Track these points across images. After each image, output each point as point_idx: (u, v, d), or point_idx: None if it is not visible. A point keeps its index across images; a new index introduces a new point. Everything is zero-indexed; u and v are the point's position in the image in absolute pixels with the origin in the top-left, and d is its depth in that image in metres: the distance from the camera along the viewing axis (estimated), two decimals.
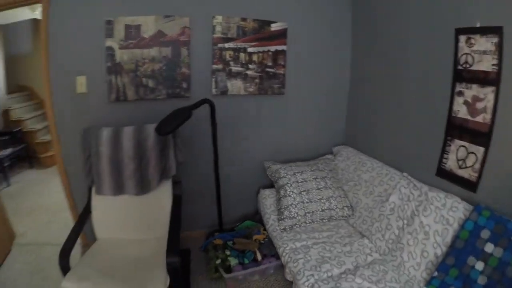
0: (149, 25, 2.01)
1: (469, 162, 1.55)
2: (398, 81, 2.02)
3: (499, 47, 1.35)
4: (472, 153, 1.53)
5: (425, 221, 1.60)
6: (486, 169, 1.47)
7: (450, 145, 1.65)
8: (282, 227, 2.04)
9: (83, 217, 1.81)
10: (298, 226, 2.05)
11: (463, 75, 1.54)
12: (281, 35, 2.29)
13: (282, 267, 1.94)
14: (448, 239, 1.48)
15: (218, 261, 1.99)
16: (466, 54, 1.51)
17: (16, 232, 2.51)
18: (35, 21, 4.41)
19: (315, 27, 2.39)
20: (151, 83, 2.12)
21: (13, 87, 4.73)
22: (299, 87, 2.46)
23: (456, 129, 1.61)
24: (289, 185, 2.15)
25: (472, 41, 1.46)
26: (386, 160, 2.14)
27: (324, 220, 2.11)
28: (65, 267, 1.44)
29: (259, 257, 2.03)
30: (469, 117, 1.53)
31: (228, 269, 1.96)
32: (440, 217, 1.55)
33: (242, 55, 2.24)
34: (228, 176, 2.43)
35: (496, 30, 1.35)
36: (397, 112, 2.05)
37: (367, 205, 2.02)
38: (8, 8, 1.94)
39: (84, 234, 2.16)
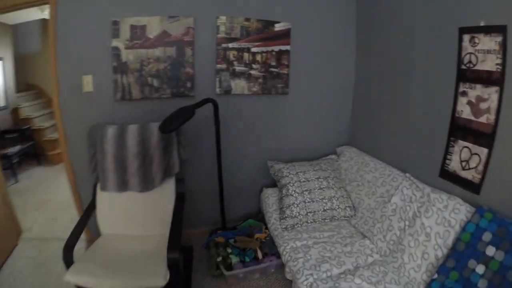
0: (154, 26, 2.05)
1: (472, 164, 1.52)
2: (401, 81, 2.00)
3: (503, 46, 1.32)
4: (476, 154, 1.50)
5: (426, 223, 1.58)
6: (489, 171, 1.44)
7: (453, 146, 1.63)
8: (283, 226, 2.04)
9: (88, 213, 1.86)
10: (299, 225, 2.05)
11: (467, 75, 1.51)
12: (284, 35, 2.29)
13: (283, 266, 1.94)
14: (450, 241, 1.46)
15: (219, 259, 2.01)
16: (470, 53, 1.48)
17: (23, 227, 2.59)
18: (44, 21, 4.53)
19: (319, 27, 2.39)
20: (156, 83, 2.16)
21: (22, 85, 4.88)
22: (303, 87, 2.46)
23: (460, 129, 1.59)
24: (291, 184, 2.15)
25: (476, 40, 1.44)
26: (389, 160, 2.12)
27: (326, 220, 2.10)
28: (68, 261, 1.49)
29: (260, 255, 2.04)
30: (472, 118, 1.51)
31: (229, 267, 1.98)
32: (442, 219, 1.52)
33: (245, 55, 2.26)
34: (231, 175, 2.45)
35: (500, 29, 1.32)
36: (401, 112, 2.02)
37: (369, 205, 2.01)
38: (18, 8, 2.00)
39: (89, 230, 2.22)
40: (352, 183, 2.23)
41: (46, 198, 3.26)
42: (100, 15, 1.94)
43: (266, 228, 2.22)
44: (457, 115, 1.59)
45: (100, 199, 1.94)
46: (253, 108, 2.40)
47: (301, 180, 2.17)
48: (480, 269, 1.29)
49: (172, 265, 1.53)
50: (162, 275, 1.49)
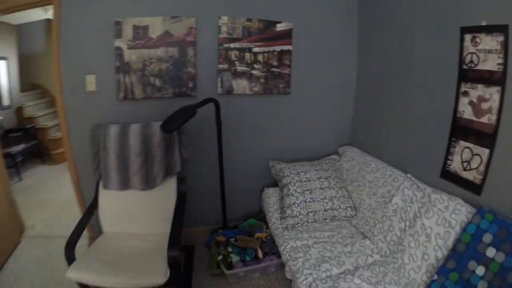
0: (156, 26, 2.07)
1: (473, 164, 1.51)
2: (403, 81, 1.99)
3: (505, 46, 1.31)
4: (477, 155, 1.49)
5: (427, 223, 1.57)
6: (491, 172, 1.43)
7: (454, 147, 1.62)
8: (284, 226, 2.04)
9: (90, 211, 1.88)
10: (300, 225, 2.05)
11: (468, 75, 1.50)
12: (286, 35, 2.29)
13: (283, 265, 1.94)
14: (450, 242, 1.45)
15: (220, 258, 2.02)
16: (471, 53, 1.47)
17: (26, 225, 2.62)
18: (48, 21, 4.57)
19: (320, 27, 2.39)
20: (158, 82, 2.17)
21: (27, 85, 4.92)
22: (304, 87, 2.47)
23: (461, 130, 1.57)
24: (292, 184, 2.16)
25: (478, 40, 1.43)
26: (391, 161, 2.11)
27: (326, 220, 2.10)
28: (70, 258, 1.51)
29: (260, 254, 2.05)
30: (474, 118, 1.50)
31: (230, 266, 1.99)
32: (443, 220, 1.51)
33: (247, 55, 2.27)
34: (232, 174, 2.45)
35: (501, 29, 1.31)
36: (402, 112, 2.02)
37: (370, 206, 2.00)
38: (22, 9, 2.03)
39: (91, 228, 2.25)
40: (353, 183, 2.23)
41: (49, 197, 3.30)
42: (103, 15, 1.97)
43: (267, 227, 2.23)
44: (458, 115, 1.58)
45: (102, 197, 1.96)
46: (254, 108, 2.41)
47: (302, 180, 2.17)
48: (480, 270, 1.28)
49: (172, 263, 1.54)
50: (162, 273, 1.50)
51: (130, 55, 2.07)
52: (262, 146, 2.52)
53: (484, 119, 1.45)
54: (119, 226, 1.95)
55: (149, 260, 1.62)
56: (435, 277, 1.40)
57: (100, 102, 2.11)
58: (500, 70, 1.35)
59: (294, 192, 2.12)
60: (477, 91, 1.47)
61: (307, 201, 2.09)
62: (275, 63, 2.33)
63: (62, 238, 1.57)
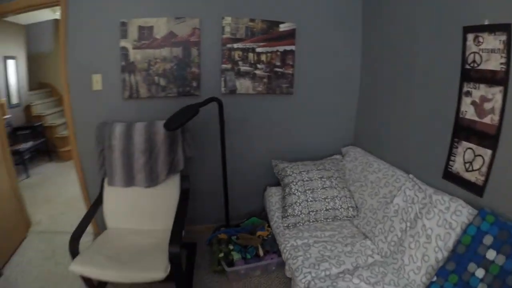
0: (161, 27, 2.10)
1: (476, 165, 1.49)
2: (405, 81, 1.98)
3: (507, 45, 1.29)
4: (479, 155, 1.47)
5: (427, 224, 1.56)
6: (493, 173, 1.41)
7: (457, 147, 1.60)
8: (285, 225, 2.05)
9: (95, 207, 1.93)
10: (301, 224, 2.06)
11: (471, 75, 1.49)
12: (289, 35, 2.30)
13: (284, 264, 1.95)
14: (450, 243, 1.43)
15: (221, 255, 2.04)
16: (474, 53, 1.45)
17: (32, 221, 2.68)
18: (56, 21, 4.65)
19: (324, 27, 2.38)
20: (162, 82, 2.21)
21: (35, 84, 5.03)
22: (307, 87, 2.47)
23: (464, 130, 1.56)
24: (294, 183, 2.16)
25: (480, 39, 1.41)
26: (393, 161, 2.10)
27: (328, 220, 2.10)
28: (74, 252, 1.55)
29: (261, 253, 2.06)
30: (476, 118, 1.48)
31: (231, 263, 2.01)
32: (443, 221, 1.50)
33: (250, 55, 2.28)
34: (236, 173, 2.48)
35: (504, 28, 1.29)
36: (405, 112, 2.00)
37: (372, 206, 1.99)
38: (31, 10, 2.09)
39: (96, 224, 2.30)
40: (355, 183, 2.22)
41: (56, 193, 3.36)
42: (109, 16, 2.01)
43: (269, 226, 2.24)
44: (461, 115, 1.57)
45: (107, 194, 2.01)
46: (258, 107, 2.43)
47: (304, 180, 2.18)
48: (480, 273, 1.27)
49: (173, 259, 1.57)
50: (163, 268, 1.53)
51: (135, 55, 2.11)
52: (265, 145, 2.53)
53: (487, 120, 1.43)
54: (123, 222, 1.99)
55: (150, 256, 1.65)
56: (434, 278, 1.39)
57: (106, 101, 2.15)
58: (503, 69, 1.33)
59: (295, 191, 2.12)
60: (479, 91, 1.45)
61: (309, 200, 2.09)
62: (278, 63, 2.34)
63: (67, 234, 1.61)
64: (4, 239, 2.18)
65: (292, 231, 2.01)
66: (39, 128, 4.46)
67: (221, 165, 2.23)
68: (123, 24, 2.04)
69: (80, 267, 1.49)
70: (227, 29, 2.21)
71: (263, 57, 2.31)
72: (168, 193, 2.07)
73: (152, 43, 2.12)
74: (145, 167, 2.01)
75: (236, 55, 2.26)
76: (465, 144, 1.55)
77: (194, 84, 2.26)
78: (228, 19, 2.19)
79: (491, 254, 1.26)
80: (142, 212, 2.03)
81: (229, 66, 2.27)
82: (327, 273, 1.62)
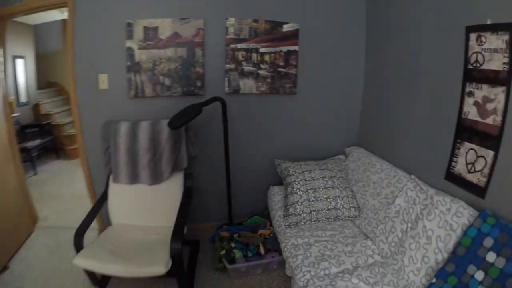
0: (166, 27, 2.14)
1: (478, 166, 1.47)
2: (409, 81, 1.96)
3: (510, 44, 1.27)
4: (482, 156, 1.45)
5: (428, 226, 1.55)
6: (495, 174, 1.39)
7: (459, 148, 1.58)
8: (286, 223, 2.06)
9: (100, 203, 1.98)
10: (302, 223, 2.06)
11: (474, 75, 1.47)
12: (293, 36, 2.31)
13: (285, 263, 1.96)
14: (451, 245, 1.42)
15: (223, 252, 2.07)
16: (477, 52, 1.44)
17: (39, 216, 2.75)
18: (64, 21, 4.70)
19: (327, 28, 2.38)
20: (167, 81, 2.25)
21: (43, 83, 5.13)
22: (311, 87, 2.47)
23: (466, 131, 1.54)
24: (296, 182, 2.17)
25: (483, 39, 1.39)
26: (396, 162, 2.08)
27: (330, 219, 2.10)
28: (78, 246, 1.60)
29: (262, 251, 2.08)
30: (479, 119, 1.46)
31: (232, 261, 2.03)
32: (444, 222, 1.49)
33: (254, 55, 2.30)
34: (239, 172, 2.50)
35: (507, 27, 1.28)
36: (408, 113, 1.99)
37: (374, 206, 1.99)
38: (39, 10, 2.16)
39: (101, 220, 2.35)
40: (358, 184, 2.21)
41: (62, 190, 3.43)
42: (115, 17, 2.06)
43: (271, 225, 2.26)
44: (463, 116, 1.55)
45: (112, 191, 2.06)
46: (261, 107, 2.44)
47: (307, 179, 2.18)
48: (479, 275, 1.25)
49: (174, 255, 1.60)
50: (164, 263, 1.56)
51: (140, 55, 2.16)
52: (269, 145, 2.55)
53: (489, 120, 1.41)
54: (127, 218, 2.04)
55: (152, 251, 1.69)
56: (434, 280, 1.38)
57: (112, 100, 2.20)
58: (506, 69, 1.31)
59: (298, 190, 2.13)
60: (482, 91, 1.43)
61: (311, 200, 2.10)
62: (281, 63, 2.36)
63: (73, 230, 1.65)
64: (11, 233, 2.24)
65: (293, 230, 2.02)
66: (47, 126, 4.55)
67: (224, 164, 2.25)
68: (129, 25, 2.09)
69: (84, 261, 1.53)
70: (231, 29, 2.23)
71: (267, 57, 2.32)
72: (171, 190, 2.11)
73: (157, 43, 2.16)
74: (149, 164, 2.05)
75: (240, 55, 2.28)
76: (467, 145, 1.53)
77: (198, 83, 2.29)
78: (232, 20, 2.21)
79: (491, 257, 1.24)
80: (145, 209, 2.07)
81: (232, 66, 2.30)
82: (326, 272, 1.62)
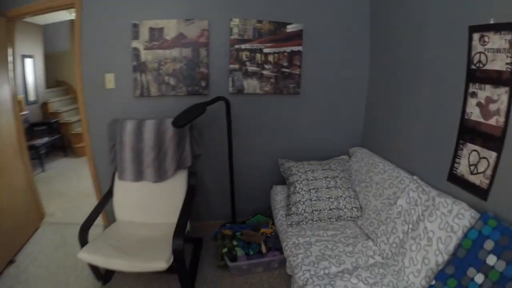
0: (171, 28, 2.18)
1: (480, 168, 1.45)
2: (412, 82, 1.95)
3: None
4: (484, 158, 1.43)
5: (429, 227, 1.54)
6: (497, 176, 1.37)
7: (462, 149, 1.56)
8: (288, 223, 2.07)
9: (105, 200, 2.03)
10: (304, 223, 2.07)
11: (477, 75, 1.45)
12: (296, 36, 2.32)
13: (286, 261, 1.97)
14: (451, 247, 1.41)
15: (225, 250, 2.09)
16: (480, 52, 1.42)
17: (46, 212, 2.81)
18: (72, 22, 4.77)
19: (331, 28, 2.38)
20: (172, 81, 2.28)
21: (52, 82, 5.23)
22: (314, 87, 2.48)
23: (469, 132, 1.52)
24: (299, 182, 2.18)
25: (486, 39, 1.38)
26: (399, 162, 2.07)
27: (332, 219, 2.10)
28: (83, 241, 1.64)
29: (263, 249, 2.10)
30: (482, 120, 1.44)
31: (234, 259, 2.05)
32: (445, 224, 1.47)
33: (258, 55, 2.32)
34: (243, 171, 2.52)
35: (510, 27, 1.26)
36: (411, 114, 1.98)
37: (376, 207, 1.98)
38: (48, 11, 2.22)
39: (106, 216, 2.40)
40: (361, 184, 2.21)
41: (69, 187, 3.50)
42: (122, 18, 2.11)
43: (273, 224, 2.27)
44: (466, 117, 1.53)
45: (117, 188, 2.11)
46: (265, 107, 2.46)
47: (309, 179, 2.19)
48: (479, 278, 1.24)
49: (176, 251, 1.63)
50: (166, 259, 1.59)
51: (146, 55, 2.20)
52: (272, 144, 2.56)
53: (492, 121, 1.39)
54: (131, 215, 2.08)
55: (155, 247, 1.72)
56: (433, 282, 1.37)
57: (118, 99, 2.25)
58: (509, 70, 1.29)
59: (300, 190, 2.14)
60: (485, 92, 1.42)
61: (313, 199, 2.10)
62: (285, 64, 2.37)
63: (78, 226, 1.69)
64: (18, 229, 2.30)
65: (295, 229, 2.02)
66: (55, 124, 4.64)
67: (228, 163, 2.28)
68: (135, 25, 2.13)
69: (87, 255, 1.57)
70: (235, 30, 2.25)
71: (271, 58, 2.34)
72: (175, 188, 2.14)
73: (163, 44, 2.20)
74: (154, 162, 2.09)
75: (244, 55, 2.31)
76: (470, 146, 1.52)
77: (203, 83, 2.32)
78: (236, 21, 2.24)
79: (491, 260, 1.23)
80: (150, 206, 2.11)
81: (237, 66, 2.32)
82: (326, 271, 1.63)
